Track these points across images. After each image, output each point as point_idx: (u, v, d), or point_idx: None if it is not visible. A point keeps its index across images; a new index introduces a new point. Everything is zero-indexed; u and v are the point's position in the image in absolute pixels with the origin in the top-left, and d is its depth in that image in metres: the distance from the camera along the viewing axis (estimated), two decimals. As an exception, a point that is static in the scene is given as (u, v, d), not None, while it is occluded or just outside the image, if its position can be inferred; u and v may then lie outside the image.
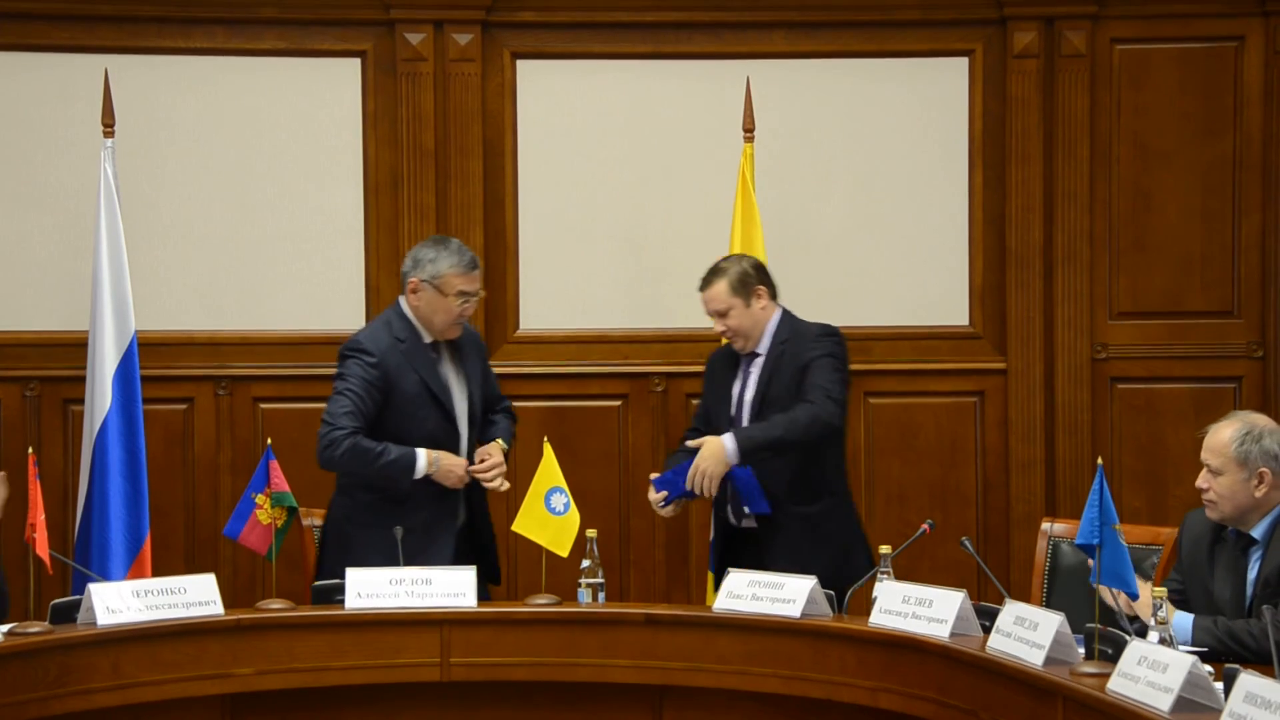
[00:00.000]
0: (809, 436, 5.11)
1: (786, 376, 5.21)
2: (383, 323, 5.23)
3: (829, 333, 5.28)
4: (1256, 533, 4.45)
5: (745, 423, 5.24)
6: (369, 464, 5.03)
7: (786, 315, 5.33)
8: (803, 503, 5.20)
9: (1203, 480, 4.49)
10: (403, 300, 5.22)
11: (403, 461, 5.04)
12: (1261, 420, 4.51)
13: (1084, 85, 6.50)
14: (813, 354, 5.20)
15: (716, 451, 5.09)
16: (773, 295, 5.32)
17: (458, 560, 5.03)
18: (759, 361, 5.29)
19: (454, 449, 5.16)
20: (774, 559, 5.05)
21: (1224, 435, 4.46)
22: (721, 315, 5.28)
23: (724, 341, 5.43)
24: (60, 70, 6.32)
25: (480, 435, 5.31)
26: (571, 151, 6.54)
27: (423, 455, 5.06)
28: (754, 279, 5.28)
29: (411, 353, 5.15)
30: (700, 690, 4.74)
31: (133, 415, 5.92)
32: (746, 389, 5.29)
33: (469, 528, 5.23)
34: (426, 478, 5.07)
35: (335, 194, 6.46)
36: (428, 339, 5.19)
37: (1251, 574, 4.45)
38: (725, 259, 5.40)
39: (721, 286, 5.27)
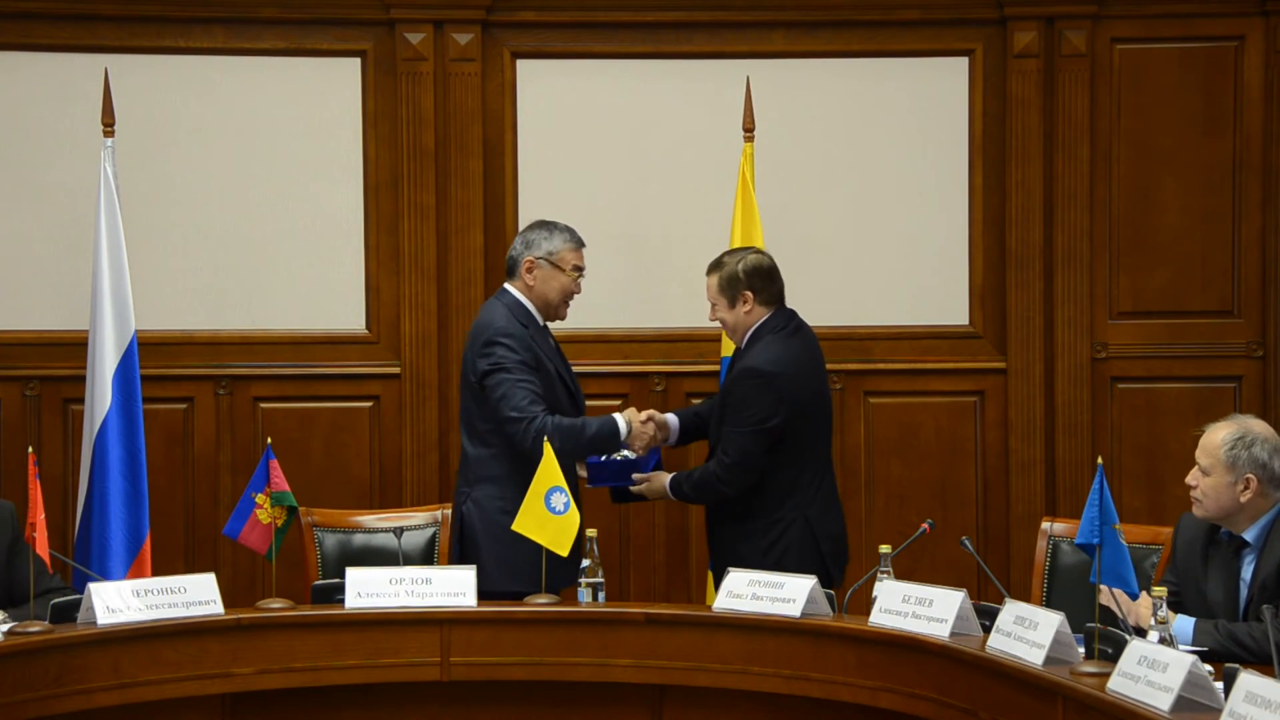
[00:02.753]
0: (704, 500, 5.32)
1: (722, 393, 5.30)
2: (504, 310, 5.30)
3: (749, 374, 5.16)
4: (1249, 536, 4.46)
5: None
6: (579, 438, 5.20)
7: (765, 326, 5.23)
8: (741, 522, 5.20)
9: (1191, 477, 4.52)
10: (509, 287, 5.33)
11: (608, 427, 5.24)
12: (1258, 426, 4.51)
13: (1084, 85, 6.50)
14: (730, 393, 5.22)
15: (659, 490, 5.32)
16: (769, 299, 5.26)
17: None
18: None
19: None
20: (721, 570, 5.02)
21: (1217, 437, 4.48)
22: (712, 306, 5.33)
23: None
24: (60, 70, 6.32)
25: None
26: (571, 151, 6.54)
27: (620, 418, 5.26)
28: (742, 284, 5.24)
29: (536, 336, 5.30)
30: (700, 690, 4.74)
31: (133, 415, 5.92)
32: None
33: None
34: None
35: (335, 194, 6.46)
36: (541, 322, 5.34)
37: (1245, 576, 4.46)
38: (731, 253, 5.39)
39: (712, 281, 5.31)
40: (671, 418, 5.49)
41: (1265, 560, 4.39)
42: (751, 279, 5.24)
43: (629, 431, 5.26)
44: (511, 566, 5.06)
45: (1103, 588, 4.05)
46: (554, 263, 5.31)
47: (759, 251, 5.40)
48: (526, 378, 5.18)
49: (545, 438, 4.93)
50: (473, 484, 5.30)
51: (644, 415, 5.34)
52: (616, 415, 5.29)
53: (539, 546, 4.87)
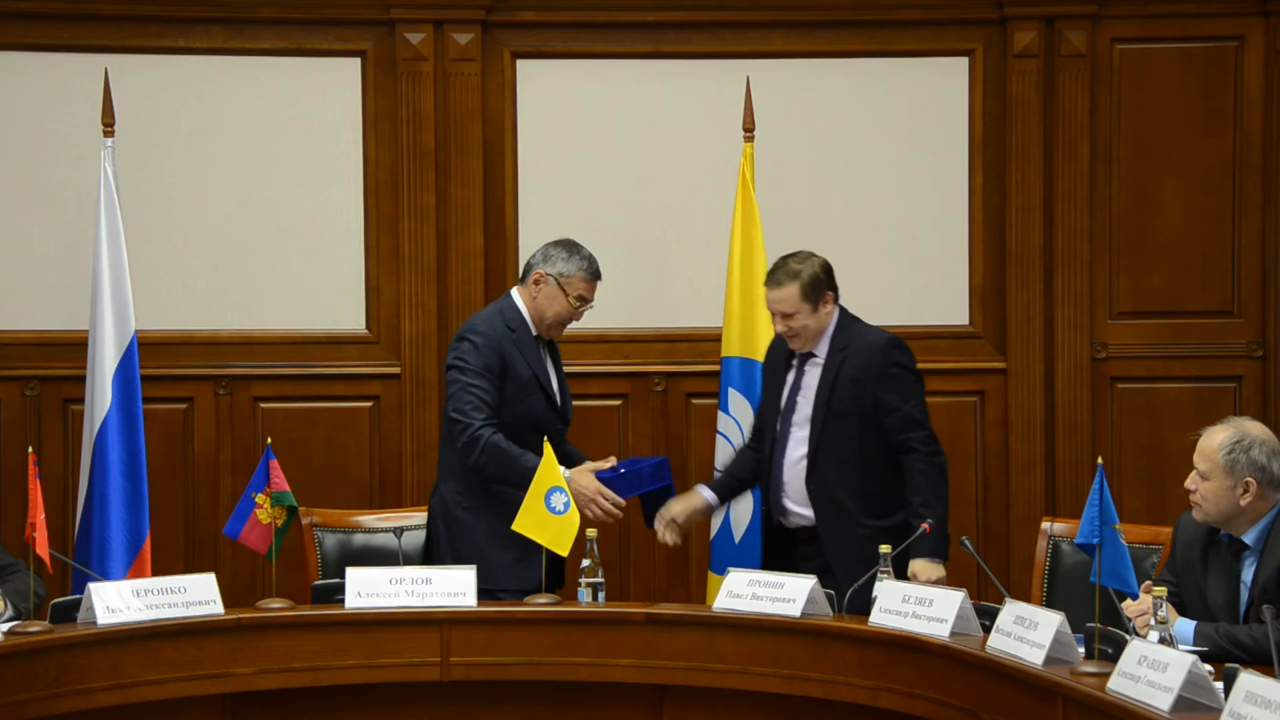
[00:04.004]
0: (944, 491, 5.12)
1: (849, 388, 5.13)
2: (495, 310, 5.38)
3: (896, 344, 5.19)
4: (1248, 538, 4.46)
5: (794, 424, 5.17)
6: (507, 466, 5.14)
7: (844, 317, 5.24)
8: (876, 516, 5.10)
9: (1190, 482, 4.51)
10: (514, 293, 5.38)
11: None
12: (1255, 429, 4.51)
13: (1084, 85, 6.50)
14: (887, 371, 5.13)
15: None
16: (836, 297, 5.24)
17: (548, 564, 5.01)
18: (815, 366, 5.21)
19: (557, 438, 5.23)
20: (844, 567, 4.98)
21: (1215, 441, 4.47)
22: (786, 317, 5.18)
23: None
24: (60, 70, 6.32)
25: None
26: (571, 151, 6.54)
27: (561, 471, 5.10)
28: (824, 284, 5.17)
29: (521, 342, 5.30)
30: (700, 690, 4.74)
31: (133, 415, 5.91)
32: (800, 393, 5.22)
33: None
34: None
35: (335, 194, 6.46)
36: (534, 333, 5.33)
37: (1245, 578, 4.46)
38: (796, 258, 5.22)
39: (793, 290, 5.13)
40: (706, 493, 5.41)
41: (1265, 563, 4.39)
42: (829, 279, 5.20)
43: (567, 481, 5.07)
44: (465, 565, 5.02)
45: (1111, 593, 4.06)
46: (561, 284, 5.31)
47: (808, 252, 5.30)
48: (478, 383, 5.18)
49: (476, 452, 5.08)
50: (442, 479, 5.38)
51: (593, 491, 5.18)
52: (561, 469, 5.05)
53: (495, 545, 4.92)
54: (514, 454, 5.14)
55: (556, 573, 5.16)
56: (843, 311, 5.25)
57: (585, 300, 5.37)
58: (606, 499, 5.18)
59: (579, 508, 5.01)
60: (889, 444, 5.13)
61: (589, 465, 5.27)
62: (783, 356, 5.32)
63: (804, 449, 5.16)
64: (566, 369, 6.38)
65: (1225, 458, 4.42)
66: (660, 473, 5.41)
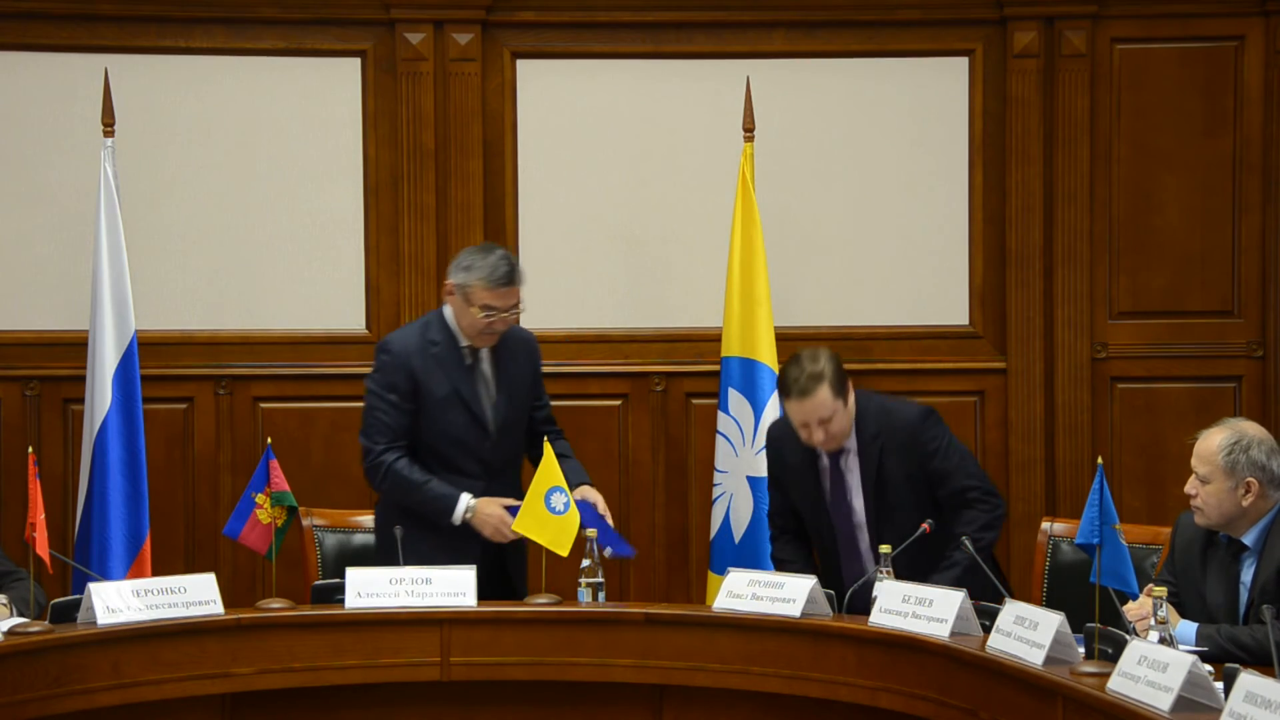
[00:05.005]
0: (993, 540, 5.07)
1: (899, 482, 4.97)
2: (421, 323, 5.23)
3: (926, 417, 5.04)
4: (1248, 539, 4.45)
5: (856, 526, 5.02)
6: (408, 495, 5.07)
7: (860, 397, 5.08)
8: (935, 557, 4.95)
9: (1190, 487, 4.49)
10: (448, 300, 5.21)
11: (442, 503, 5.05)
12: (1251, 429, 4.50)
13: (1084, 85, 6.50)
14: (927, 450, 5.00)
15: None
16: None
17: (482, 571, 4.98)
18: (850, 460, 5.07)
19: (482, 453, 5.15)
20: None
21: (1213, 443, 4.46)
22: (825, 422, 4.94)
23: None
24: (60, 70, 6.32)
25: (534, 456, 5.23)
26: (571, 151, 6.54)
27: (462, 502, 5.05)
28: (844, 373, 4.99)
29: (443, 356, 5.12)
30: (700, 690, 4.74)
31: (133, 415, 5.91)
32: (849, 494, 5.05)
33: (498, 547, 5.16)
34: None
35: (335, 194, 6.46)
36: (464, 342, 5.15)
37: (1245, 580, 4.45)
38: (807, 358, 4.98)
39: (825, 393, 4.91)
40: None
41: (1265, 564, 4.39)
42: (842, 363, 5.03)
43: (469, 515, 5.03)
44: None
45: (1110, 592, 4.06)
46: (465, 295, 5.05)
47: (810, 349, 5.12)
48: (381, 405, 5.09)
49: (377, 479, 5.06)
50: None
51: (498, 520, 5.04)
52: (462, 497, 5.03)
53: (414, 551, 4.89)
54: (415, 481, 5.05)
55: (504, 585, 5.12)
56: (859, 395, 5.08)
57: (493, 309, 5.03)
58: (506, 525, 5.02)
59: (484, 533, 5.01)
60: (948, 509, 5.02)
61: (505, 502, 5.07)
62: (799, 451, 5.10)
63: (870, 544, 5.03)
64: (565, 369, 6.41)
65: (1225, 459, 4.42)
66: (620, 547, 5.20)
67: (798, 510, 5.19)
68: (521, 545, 5.21)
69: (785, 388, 4.98)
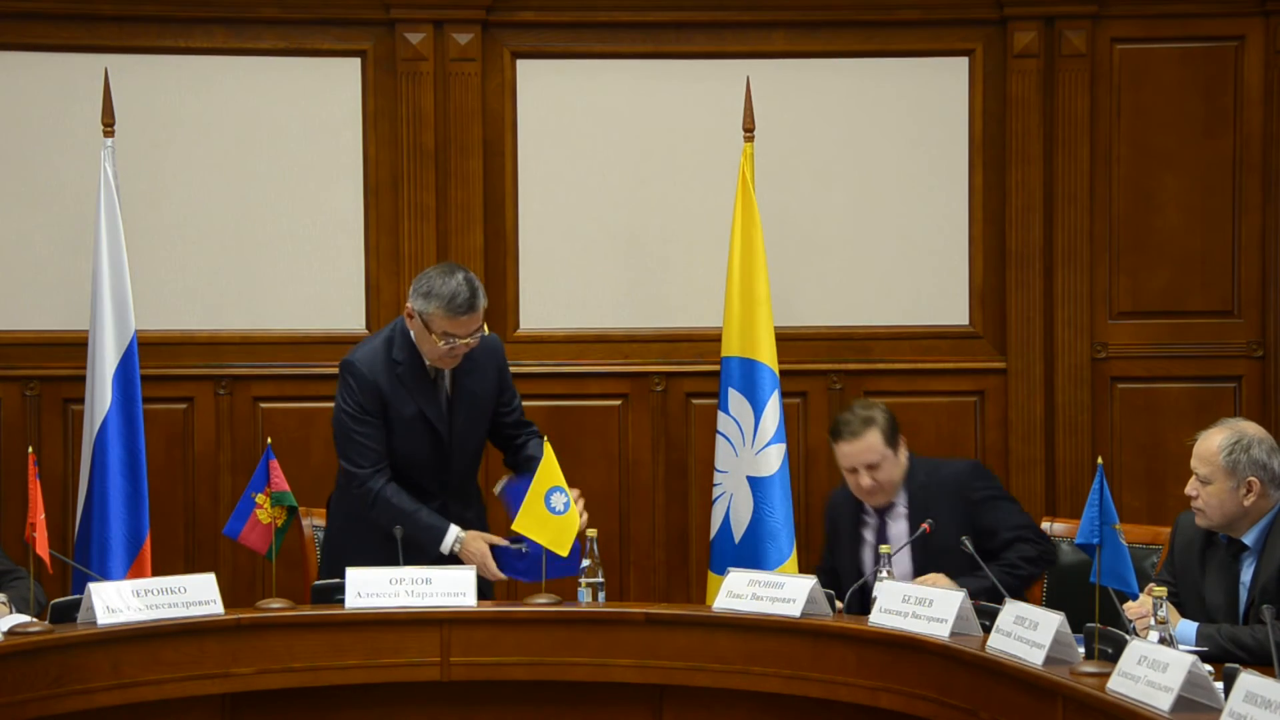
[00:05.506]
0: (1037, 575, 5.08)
1: (949, 529, 4.94)
2: (384, 340, 5.10)
3: (975, 470, 5.09)
4: (1248, 539, 4.45)
5: (895, 577, 4.88)
6: (398, 521, 4.99)
7: (910, 459, 5.13)
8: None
9: (1191, 488, 4.49)
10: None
11: (432, 533, 5.01)
12: (1250, 428, 4.50)
13: (1084, 85, 6.50)
14: (974, 500, 5.01)
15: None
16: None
17: None
18: (899, 517, 5.09)
19: (442, 472, 5.13)
20: None
21: (1213, 444, 4.46)
22: (872, 468, 5.02)
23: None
24: (60, 70, 6.32)
25: (513, 462, 5.25)
26: (571, 151, 6.54)
27: (451, 534, 5.02)
28: (897, 426, 5.06)
29: (407, 375, 5.06)
30: (700, 690, 4.74)
31: (133, 415, 5.91)
32: (896, 545, 5.01)
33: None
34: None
35: (335, 194, 6.46)
36: (426, 362, 5.08)
37: (1244, 579, 4.45)
38: (861, 405, 5.15)
39: (875, 438, 5.01)
40: None
41: (1265, 564, 4.38)
42: (896, 420, 5.10)
43: (457, 547, 5.01)
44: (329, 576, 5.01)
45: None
46: (424, 322, 4.93)
47: (864, 400, 5.21)
48: (360, 429, 5.03)
49: (368, 505, 4.99)
50: (336, 489, 5.31)
51: (481, 556, 5.00)
52: (453, 529, 5.01)
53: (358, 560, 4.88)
54: (405, 510, 5.00)
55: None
56: (909, 455, 5.15)
57: (453, 336, 4.91)
58: (490, 564, 5.01)
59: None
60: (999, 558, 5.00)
61: (490, 539, 5.06)
62: (850, 511, 5.14)
63: None
64: (565, 369, 6.42)
65: (1226, 459, 4.42)
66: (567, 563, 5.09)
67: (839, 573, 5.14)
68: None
69: (836, 430, 5.09)
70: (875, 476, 5.03)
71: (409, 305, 4.98)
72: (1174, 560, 4.66)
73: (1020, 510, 5.17)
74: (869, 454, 5.02)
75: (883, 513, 5.12)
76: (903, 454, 5.09)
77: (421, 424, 5.08)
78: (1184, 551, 4.62)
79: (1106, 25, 6.52)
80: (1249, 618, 4.39)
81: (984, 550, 4.86)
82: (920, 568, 4.99)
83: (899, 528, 5.09)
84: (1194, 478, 4.48)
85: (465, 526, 5.09)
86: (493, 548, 5.03)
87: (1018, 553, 4.99)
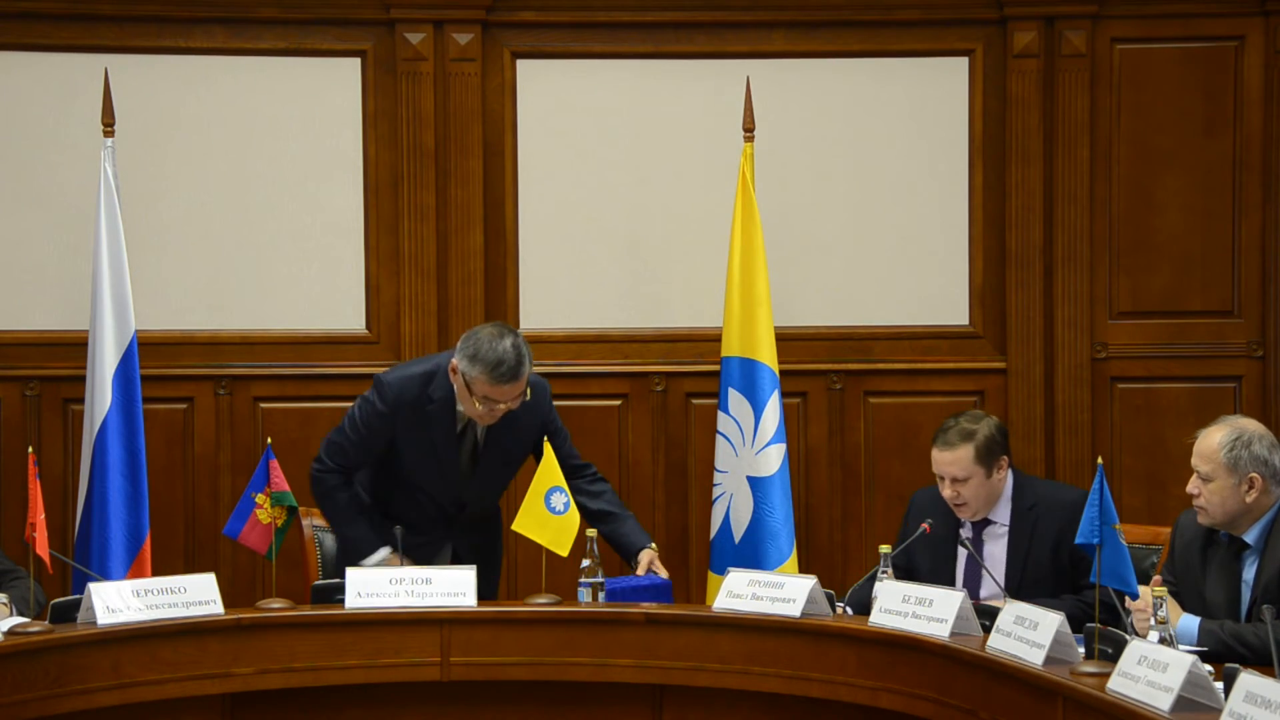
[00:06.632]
0: None
1: (1045, 552, 4.92)
2: (427, 372, 5.08)
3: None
4: (1249, 537, 4.45)
5: (982, 599, 4.81)
6: (330, 518, 5.10)
7: (1020, 478, 5.07)
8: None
9: (1193, 486, 4.48)
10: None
11: (361, 544, 5.04)
12: (1250, 425, 4.50)
13: (1084, 85, 6.50)
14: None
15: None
16: (1011, 461, 5.03)
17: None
18: (998, 532, 5.02)
19: (443, 506, 5.13)
20: None
21: (1213, 441, 4.46)
22: (958, 481, 4.96)
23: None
24: (60, 70, 6.32)
25: (588, 511, 5.13)
26: (571, 151, 6.54)
27: (379, 555, 5.03)
28: (1000, 447, 4.98)
29: (435, 415, 5.05)
30: (700, 690, 4.74)
31: (133, 415, 5.91)
32: (991, 565, 4.96)
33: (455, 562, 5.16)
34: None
35: (335, 194, 6.46)
36: (458, 407, 5.06)
37: (1246, 577, 4.45)
38: (968, 417, 5.06)
39: (966, 453, 4.94)
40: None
41: (1268, 563, 4.38)
42: (1005, 441, 5.02)
43: (379, 562, 5.00)
44: None
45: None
46: (466, 382, 4.92)
47: (980, 411, 5.17)
48: (354, 437, 5.06)
49: (313, 488, 5.05)
50: None
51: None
52: (384, 551, 5.03)
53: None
54: (343, 516, 5.05)
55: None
56: (1017, 473, 5.07)
57: (493, 401, 4.91)
58: None
59: None
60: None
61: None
62: (941, 514, 5.04)
63: None
64: (565, 369, 6.43)
65: (1227, 455, 4.41)
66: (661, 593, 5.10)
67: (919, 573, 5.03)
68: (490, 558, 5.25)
69: (936, 434, 5.05)
70: (959, 489, 4.97)
71: (454, 360, 4.96)
72: (1174, 560, 4.66)
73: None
74: (955, 467, 4.95)
75: (980, 528, 5.05)
76: (1000, 474, 4.98)
77: (431, 459, 5.06)
78: (1185, 551, 4.61)
79: (1106, 25, 6.52)
80: (1251, 616, 4.38)
81: (1074, 586, 4.87)
82: (1015, 591, 4.84)
83: (996, 546, 5.01)
84: (1195, 476, 4.48)
85: (469, 552, 5.13)
86: (607, 581, 4.96)
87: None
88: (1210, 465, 4.43)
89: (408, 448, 5.08)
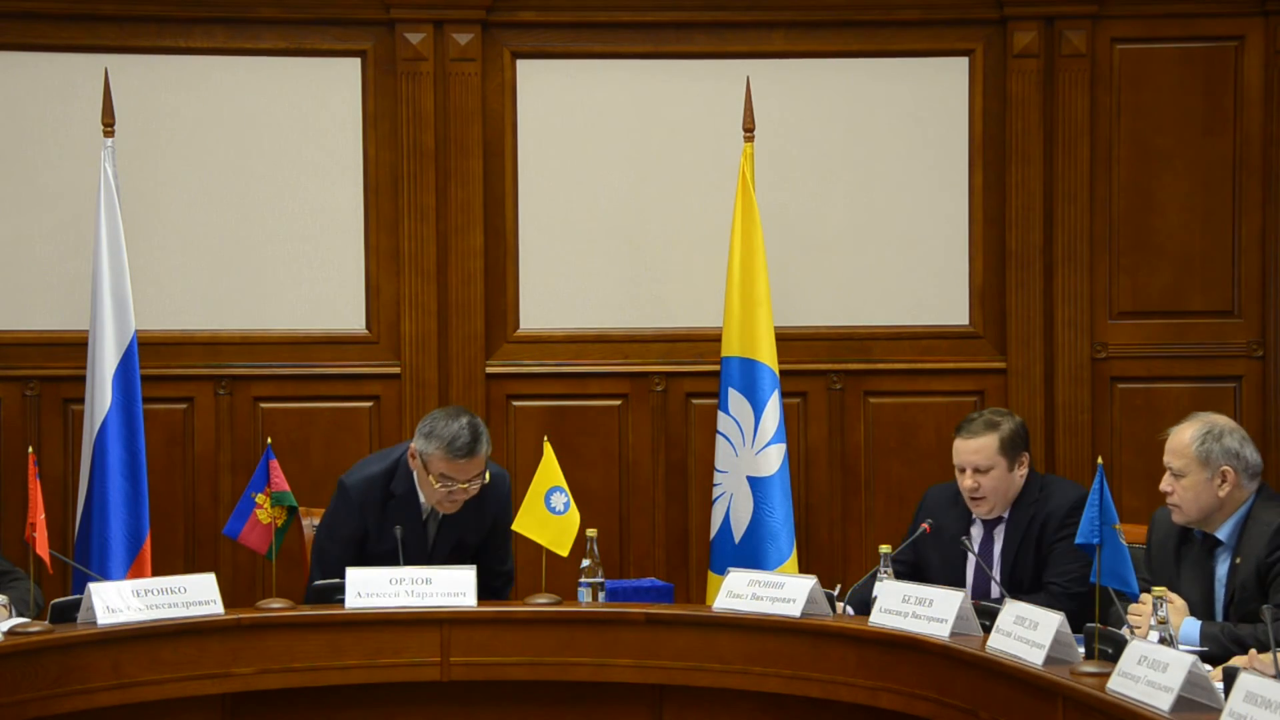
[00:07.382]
0: None
1: (1031, 550, 4.94)
2: (387, 468, 5.11)
3: (1072, 510, 4.85)
4: (1221, 534, 4.46)
5: (988, 590, 4.87)
6: (323, 590, 4.99)
7: (1034, 477, 5.06)
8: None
9: (1166, 484, 4.49)
10: None
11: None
12: (1221, 419, 4.51)
13: (1084, 85, 6.50)
14: (1062, 532, 4.89)
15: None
16: (1030, 459, 5.05)
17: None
18: (1001, 529, 5.04)
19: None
20: None
21: (1185, 436, 4.47)
22: (980, 472, 4.96)
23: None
24: (60, 70, 6.32)
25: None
26: (571, 151, 6.53)
27: None
28: (1022, 442, 4.99)
29: (398, 508, 5.07)
30: (700, 690, 4.74)
31: (133, 415, 5.91)
32: (993, 559, 4.98)
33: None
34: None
35: (335, 194, 6.46)
36: (421, 499, 5.09)
37: (1220, 575, 4.45)
38: (993, 411, 5.13)
39: (990, 442, 4.95)
40: None
41: (1243, 561, 4.38)
42: (1028, 439, 5.05)
43: None
44: None
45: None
46: (424, 462, 4.95)
47: (1004, 409, 5.21)
48: (331, 549, 5.09)
49: (310, 599, 4.96)
50: None
51: None
52: None
53: None
54: (331, 584, 4.96)
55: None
56: (1032, 471, 5.07)
57: (450, 480, 4.91)
58: None
59: None
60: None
61: None
62: (953, 510, 5.07)
63: None
64: (565, 369, 6.44)
65: (1199, 449, 4.42)
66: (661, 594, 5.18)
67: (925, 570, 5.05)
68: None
69: (960, 425, 5.04)
70: (980, 480, 4.95)
71: (412, 445, 4.99)
72: (1151, 559, 4.66)
73: (1085, 569, 4.75)
74: (979, 456, 4.94)
75: (991, 526, 5.05)
76: (1020, 470, 4.98)
77: (397, 555, 4.94)
78: (1159, 549, 4.63)
79: (1106, 25, 6.52)
80: (1227, 614, 4.39)
81: (1035, 582, 4.89)
82: (1008, 586, 4.85)
83: (997, 542, 5.01)
84: (1168, 473, 4.49)
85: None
86: (610, 583, 5.01)
87: (1040, 600, 4.71)
88: (1182, 460, 4.44)
89: (372, 545, 5.09)
